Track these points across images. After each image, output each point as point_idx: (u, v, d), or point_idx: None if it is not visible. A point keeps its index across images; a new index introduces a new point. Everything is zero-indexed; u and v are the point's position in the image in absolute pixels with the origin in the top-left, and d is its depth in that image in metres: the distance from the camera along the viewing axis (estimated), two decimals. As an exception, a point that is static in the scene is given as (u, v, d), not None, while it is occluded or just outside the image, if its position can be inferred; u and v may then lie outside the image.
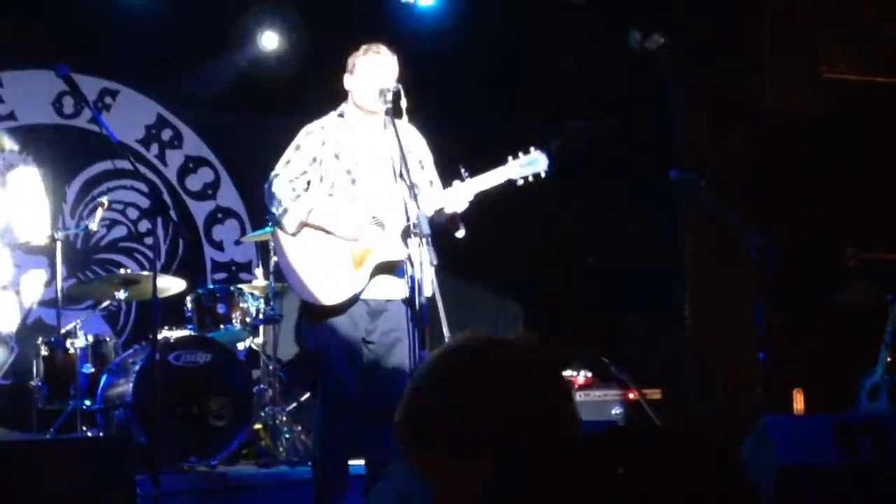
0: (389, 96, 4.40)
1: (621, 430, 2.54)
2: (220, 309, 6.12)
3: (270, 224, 4.81)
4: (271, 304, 6.21)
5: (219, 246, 7.54)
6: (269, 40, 7.37)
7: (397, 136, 4.32)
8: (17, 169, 5.26)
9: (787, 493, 4.04)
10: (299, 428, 6.17)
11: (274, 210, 4.47)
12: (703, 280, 7.21)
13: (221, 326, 6.10)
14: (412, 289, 4.18)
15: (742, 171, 7.15)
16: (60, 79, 4.34)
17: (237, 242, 7.49)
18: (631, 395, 6.77)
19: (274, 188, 4.47)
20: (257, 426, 6.18)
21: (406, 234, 4.30)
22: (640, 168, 7.20)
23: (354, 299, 4.41)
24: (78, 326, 6.02)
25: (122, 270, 6.21)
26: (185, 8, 7.08)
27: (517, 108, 7.42)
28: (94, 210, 6.01)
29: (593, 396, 6.80)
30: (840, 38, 7.55)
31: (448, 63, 7.24)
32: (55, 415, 5.85)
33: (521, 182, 4.50)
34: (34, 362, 5.93)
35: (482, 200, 4.53)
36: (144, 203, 7.13)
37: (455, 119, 7.03)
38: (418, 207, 4.17)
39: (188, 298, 6.17)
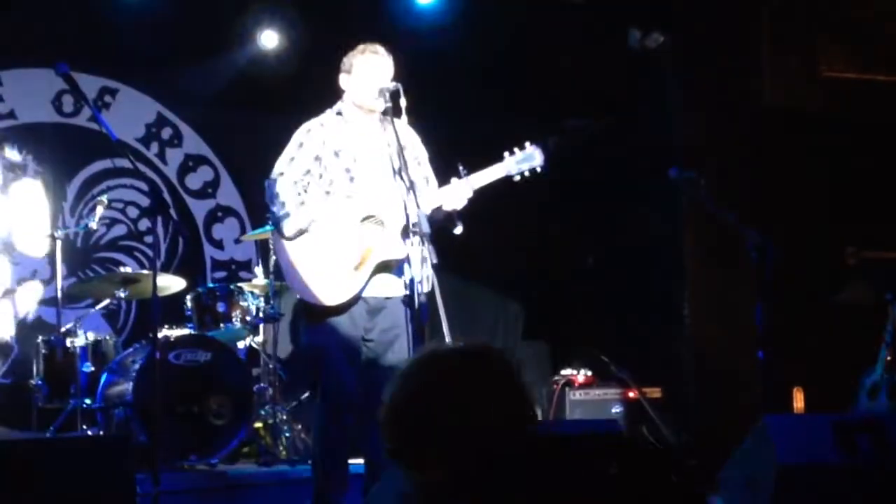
0: (389, 95, 4.41)
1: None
2: (220, 307, 6.12)
3: (270, 222, 4.81)
4: (271, 302, 6.21)
5: (219, 244, 7.54)
6: (269, 39, 7.37)
7: (396, 135, 4.32)
8: (22, 181, 5.25)
9: (787, 493, 4.04)
10: (299, 426, 6.18)
11: (275, 210, 4.46)
12: (703, 279, 7.20)
13: (221, 325, 6.10)
14: (411, 287, 4.18)
15: (741, 169, 7.13)
16: (60, 77, 4.33)
17: (237, 241, 7.49)
18: (631, 394, 6.78)
19: (278, 188, 4.46)
20: (257, 425, 6.19)
21: (405, 232, 4.30)
22: (640, 167, 7.19)
23: (355, 299, 4.41)
24: (78, 325, 6.02)
25: (121, 269, 6.21)
26: (184, 6, 7.08)
27: (516, 106, 7.41)
28: (93, 209, 6.00)
29: (593, 395, 6.81)
30: (839, 36, 7.54)
31: (447, 62, 7.24)
32: (55, 413, 5.85)
33: (518, 178, 4.52)
34: (34, 361, 5.93)
35: (482, 200, 4.53)
36: (144, 202, 7.14)
37: (454, 118, 7.03)
38: (418, 206, 4.17)
39: (188, 297, 6.17)
